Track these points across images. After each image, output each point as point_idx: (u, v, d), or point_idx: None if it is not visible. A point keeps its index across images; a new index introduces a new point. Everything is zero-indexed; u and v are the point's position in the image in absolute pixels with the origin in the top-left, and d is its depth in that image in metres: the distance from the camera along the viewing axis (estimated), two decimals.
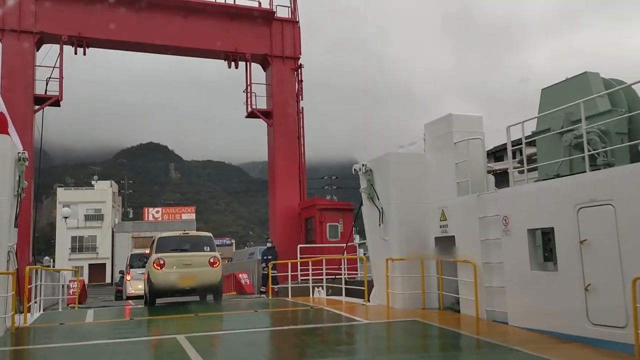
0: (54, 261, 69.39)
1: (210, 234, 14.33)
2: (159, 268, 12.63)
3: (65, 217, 24.57)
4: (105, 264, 63.95)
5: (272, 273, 17.20)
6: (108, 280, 63.49)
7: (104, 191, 64.91)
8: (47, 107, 18.86)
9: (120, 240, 65.17)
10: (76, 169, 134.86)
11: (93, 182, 66.49)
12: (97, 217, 64.49)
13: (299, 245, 17.59)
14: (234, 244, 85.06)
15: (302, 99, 21.69)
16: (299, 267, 15.66)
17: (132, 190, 78.15)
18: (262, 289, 18.41)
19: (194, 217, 70.73)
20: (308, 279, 15.28)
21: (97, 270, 63.22)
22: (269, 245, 18.83)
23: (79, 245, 63.52)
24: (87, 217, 63.93)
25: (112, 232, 65.17)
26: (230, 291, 20.74)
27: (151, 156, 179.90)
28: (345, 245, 16.91)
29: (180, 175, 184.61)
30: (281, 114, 21.18)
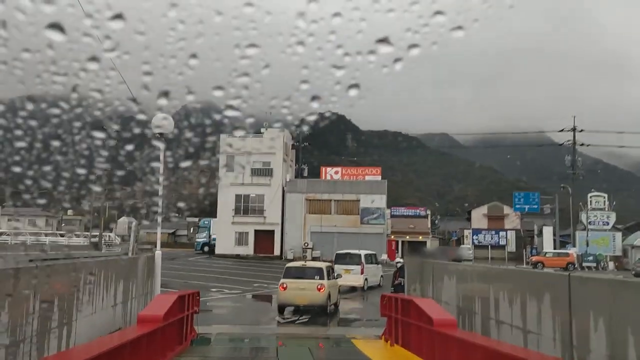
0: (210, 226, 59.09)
1: (322, 266, 18.70)
2: (283, 290, 17.55)
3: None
4: (273, 230, 51.08)
5: None
6: (277, 252, 50.69)
7: (274, 140, 51.82)
8: None
9: (292, 201, 51.65)
10: None
11: (262, 130, 53.83)
12: (266, 171, 51.70)
13: None
14: (429, 216, 67.33)
15: None
16: None
17: (308, 143, 64.78)
18: None
19: (380, 179, 54.97)
20: None
21: (264, 238, 50.66)
22: None
23: (244, 205, 51.51)
24: (254, 172, 51.51)
25: (283, 191, 51.98)
26: None
27: (329, 125, 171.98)
28: None
29: (356, 145, 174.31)
30: None
